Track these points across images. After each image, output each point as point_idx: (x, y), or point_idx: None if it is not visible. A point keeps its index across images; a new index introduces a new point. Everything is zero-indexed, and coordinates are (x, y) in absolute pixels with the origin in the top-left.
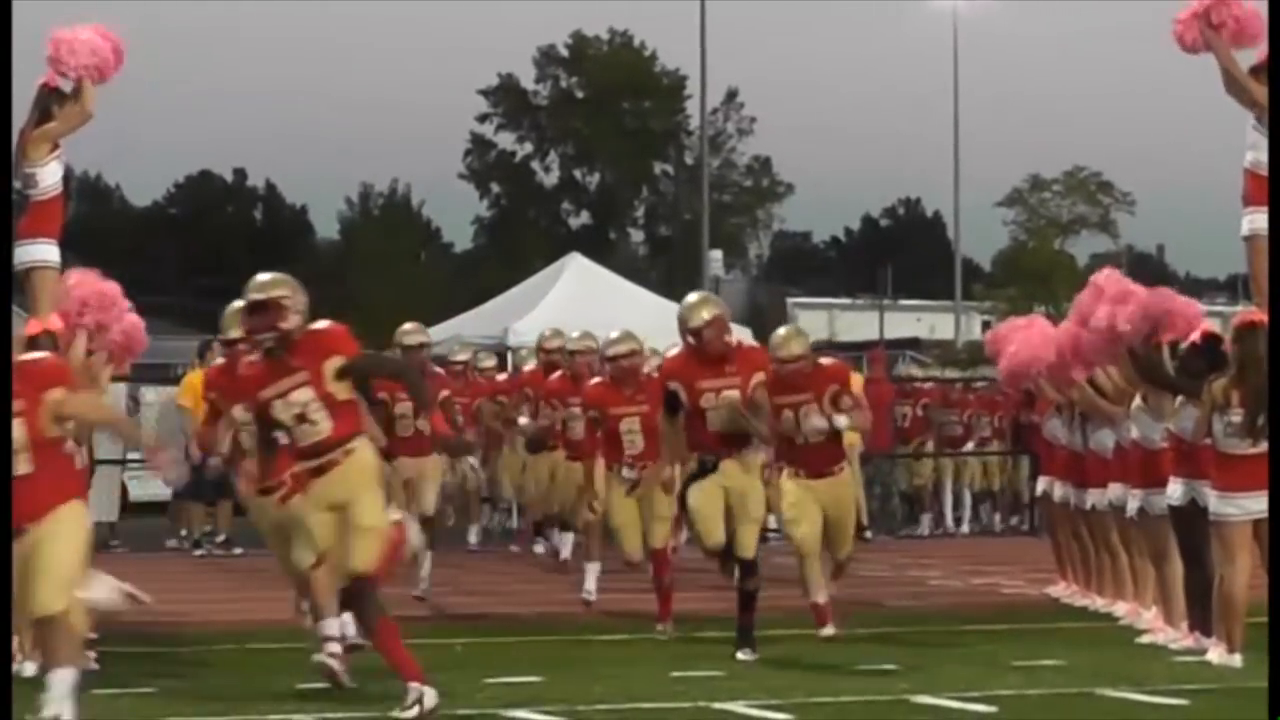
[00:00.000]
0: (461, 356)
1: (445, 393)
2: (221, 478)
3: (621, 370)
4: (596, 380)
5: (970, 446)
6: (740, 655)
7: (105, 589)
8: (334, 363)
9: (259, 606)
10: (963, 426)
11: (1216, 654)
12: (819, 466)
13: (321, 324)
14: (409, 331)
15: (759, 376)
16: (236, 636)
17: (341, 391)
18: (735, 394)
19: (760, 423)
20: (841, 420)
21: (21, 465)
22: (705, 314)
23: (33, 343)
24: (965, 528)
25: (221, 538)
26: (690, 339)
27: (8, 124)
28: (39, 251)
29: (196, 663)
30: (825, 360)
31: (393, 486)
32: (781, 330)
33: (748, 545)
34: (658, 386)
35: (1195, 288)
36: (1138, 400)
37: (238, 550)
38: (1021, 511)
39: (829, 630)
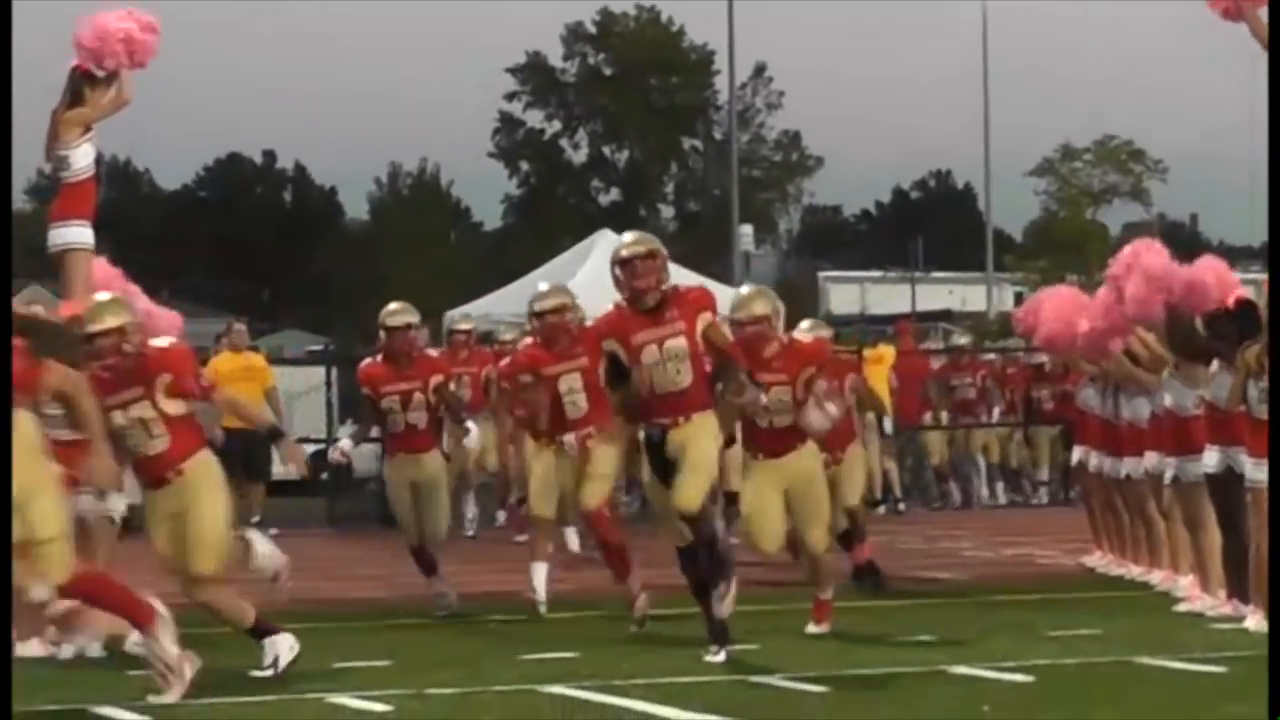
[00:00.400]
0: (463, 326)
1: (438, 377)
2: (254, 460)
3: (550, 327)
4: (526, 343)
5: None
6: (708, 657)
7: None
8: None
9: (294, 587)
10: (976, 390)
11: (1254, 621)
12: (779, 448)
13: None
14: (394, 312)
15: (705, 317)
16: (272, 617)
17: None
18: (681, 342)
19: (738, 390)
20: (832, 410)
21: None
22: (641, 248)
23: (67, 327)
24: (978, 499)
25: (256, 519)
26: (618, 271)
27: (7, 124)
28: (72, 234)
29: (232, 644)
30: (803, 338)
31: (393, 488)
32: (745, 288)
33: (690, 498)
34: (593, 337)
35: (1229, 255)
36: (1169, 368)
37: (273, 531)
38: (1022, 485)
39: (817, 628)
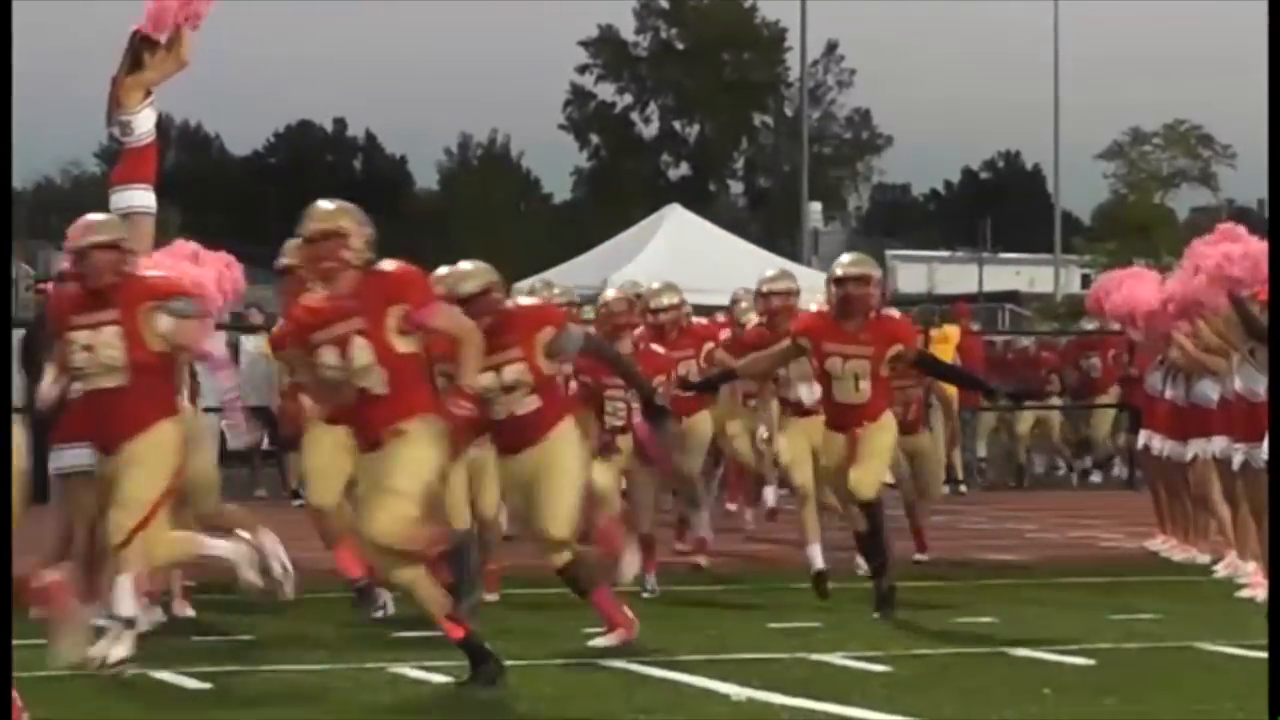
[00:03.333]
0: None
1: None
2: None
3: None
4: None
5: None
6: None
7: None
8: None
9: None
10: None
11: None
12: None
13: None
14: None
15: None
16: (336, 585)
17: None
18: None
19: None
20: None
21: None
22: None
23: None
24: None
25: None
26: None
27: (8, 124)
28: (134, 198)
29: (295, 611)
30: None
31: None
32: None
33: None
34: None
35: None
36: (1245, 351)
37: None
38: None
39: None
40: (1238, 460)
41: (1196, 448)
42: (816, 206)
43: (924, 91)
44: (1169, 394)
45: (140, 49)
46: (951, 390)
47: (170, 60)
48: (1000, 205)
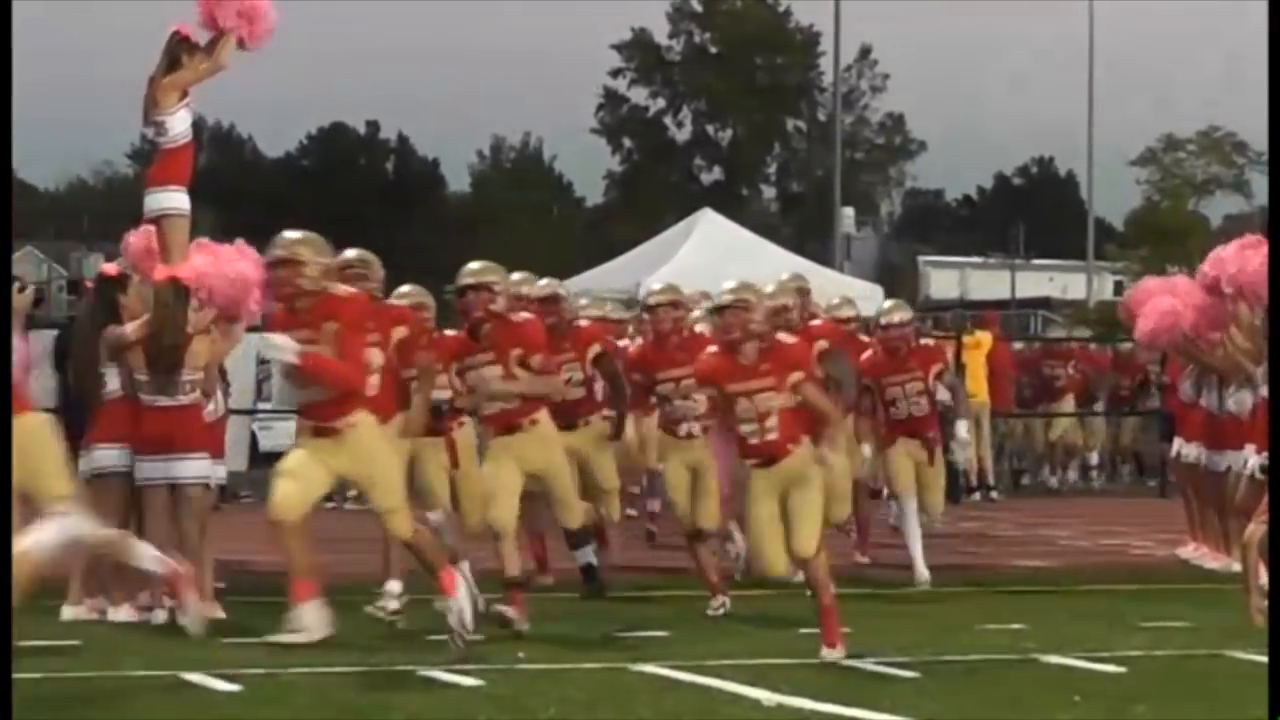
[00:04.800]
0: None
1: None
2: None
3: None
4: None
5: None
6: None
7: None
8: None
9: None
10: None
11: None
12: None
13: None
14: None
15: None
16: (365, 587)
17: None
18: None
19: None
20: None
21: None
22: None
23: (160, 290)
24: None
25: (354, 491)
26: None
27: (8, 124)
28: (169, 199)
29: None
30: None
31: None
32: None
33: None
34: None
35: None
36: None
37: (349, 506)
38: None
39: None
40: (1254, 465)
41: (1231, 460)
42: (849, 211)
43: (957, 97)
44: (1203, 402)
45: (178, 50)
46: (982, 395)
47: (208, 63)
48: (1033, 211)
